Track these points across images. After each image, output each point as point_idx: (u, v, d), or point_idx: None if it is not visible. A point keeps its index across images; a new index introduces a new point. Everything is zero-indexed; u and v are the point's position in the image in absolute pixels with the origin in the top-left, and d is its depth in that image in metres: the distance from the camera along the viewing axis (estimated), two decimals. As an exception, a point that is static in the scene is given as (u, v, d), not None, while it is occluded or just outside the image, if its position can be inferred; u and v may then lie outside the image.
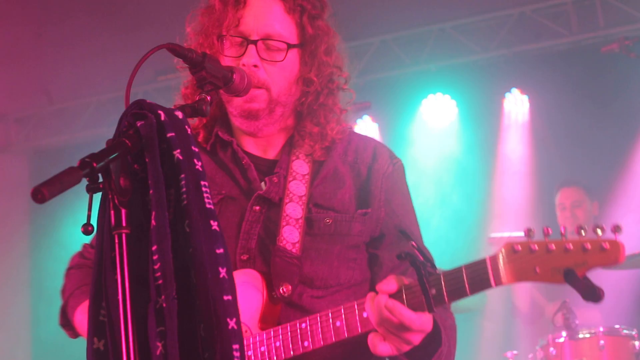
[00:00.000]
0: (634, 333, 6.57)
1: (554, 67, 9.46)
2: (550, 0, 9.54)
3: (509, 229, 8.26)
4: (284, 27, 3.14)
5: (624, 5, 9.25)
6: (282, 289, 3.02)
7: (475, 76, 9.75)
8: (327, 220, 3.11)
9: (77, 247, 11.39)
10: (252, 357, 2.97)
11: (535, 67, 9.59)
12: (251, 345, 2.99)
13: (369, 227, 3.15)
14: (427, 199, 9.47)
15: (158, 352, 2.24)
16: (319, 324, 2.89)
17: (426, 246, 3.06)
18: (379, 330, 2.77)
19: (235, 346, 2.24)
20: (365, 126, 9.85)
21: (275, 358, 2.94)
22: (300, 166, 3.19)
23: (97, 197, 2.33)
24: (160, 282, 2.27)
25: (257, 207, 3.14)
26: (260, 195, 3.14)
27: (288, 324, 2.95)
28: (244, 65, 3.07)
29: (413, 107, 10.01)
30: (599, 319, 7.15)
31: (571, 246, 2.49)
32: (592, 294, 2.44)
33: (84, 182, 2.26)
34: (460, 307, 5.59)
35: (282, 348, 2.93)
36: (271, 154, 3.26)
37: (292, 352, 2.92)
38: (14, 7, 8.99)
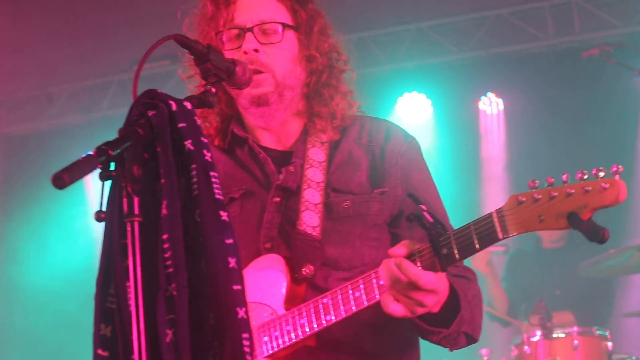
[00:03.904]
0: (607, 334, 6.68)
1: (529, 70, 9.57)
2: (527, 4, 9.63)
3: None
4: (276, 11, 3.24)
5: (599, 11, 9.37)
6: (305, 270, 3.09)
7: (451, 76, 9.82)
8: (346, 204, 3.18)
9: (48, 238, 11.27)
10: (279, 337, 3.03)
11: (510, 69, 9.68)
12: (277, 325, 3.05)
13: (387, 205, 3.21)
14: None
15: (168, 340, 2.26)
16: (340, 296, 2.95)
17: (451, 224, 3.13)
18: (391, 292, 2.81)
19: (245, 335, 2.26)
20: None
21: (300, 335, 3.00)
22: (317, 153, 3.26)
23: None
24: (170, 270, 2.28)
25: (277, 199, 3.21)
26: (279, 186, 3.22)
27: (310, 301, 3.01)
28: (245, 52, 3.15)
29: (389, 105, 10.06)
30: (572, 321, 7.25)
31: (572, 190, 2.52)
32: (596, 234, 2.47)
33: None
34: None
35: (306, 324, 2.99)
36: (287, 145, 3.33)
37: (315, 327, 2.98)
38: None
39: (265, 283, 3.10)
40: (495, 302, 7.82)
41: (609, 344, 6.65)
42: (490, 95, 10.01)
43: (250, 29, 3.19)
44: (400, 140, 3.31)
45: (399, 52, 9.95)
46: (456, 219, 3.19)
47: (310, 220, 3.14)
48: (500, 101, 10.00)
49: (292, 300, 3.08)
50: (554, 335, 6.63)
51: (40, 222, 10.65)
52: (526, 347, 6.65)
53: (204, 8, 3.34)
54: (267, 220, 3.20)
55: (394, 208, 3.22)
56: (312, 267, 3.10)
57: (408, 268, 2.73)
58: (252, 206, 3.25)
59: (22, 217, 10.83)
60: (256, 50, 3.16)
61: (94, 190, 10.66)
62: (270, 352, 3.05)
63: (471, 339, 3.11)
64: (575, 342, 6.54)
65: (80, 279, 9.91)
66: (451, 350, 3.14)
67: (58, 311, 10.15)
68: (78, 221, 10.58)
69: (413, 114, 10.10)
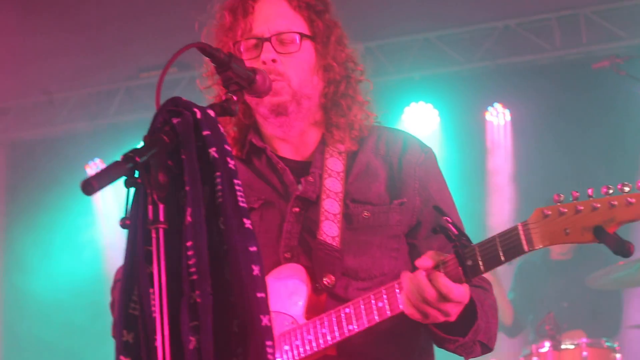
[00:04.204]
0: (615, 345, 6.70)
1: (535, 81, 9.57)
2: (534, 15, 9.65)
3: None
4: (293, 22, 3.27)
5: (607, 23, 9.39)
6: (326, 280, 3.11)
7: (458, 86, 9.83)
8: (365, 214, 3.21)
9: (52, 239, 11.23)
10: (300, 346, 3.05)
11: (517, 80, 9.69)
12: (298, 334, 3.07)
13: (406, 216, 3.23)
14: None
15: (191, 347, 2.27)
16: (362, 306, 2.97)
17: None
18: (414, 304, 2.84)
19: (269, 342, 2.28)
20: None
21: (322, 344, 3.02)
22: (335, 163, 3.28)
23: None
24: (194, 277, 2.29)
25: (297, 209, 3.23)
26: (298, 196, 3.24)
27: (332, 311, 3.03)
28: (263, 62, 3.17)
29: (396, 115, 10.06)
30: (582, 335, 7.26)
31: (598, 204, 2.57)
32: (622, 248, 2.53)
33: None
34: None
35: (327, 334, 3.01)
36: (305, 155, 3.35)
37: (337, 337, 3.00)
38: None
39: (285, 292, 3.12)
40: (500, 312, 7.80)
41: (618, 355, 6.68)
42: (497, 106, 10.02)
43: (268, 39, 3.21)
44: (417, 150, 3.34)
45: (406, 62, 9.96)
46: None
47: (330, 230, 3.16)
48: (507, 112, 10.01)
49: (312, 310, 3.10)
50: (563, 346, 6.65)
51: (46, 229, 10.65)
52: (535, 359, 6.68)
53: (221, 19, 3.36)
54: (287, 230, 3.21)
55: (412, 219, 3.25)
56: (332, 277, 3.12)
57: (441, 281, 2.78)
58: (272, 216, 3.26)
59: (29, 224, 10.82)
60: (274, 61, 3.19)
61: (101, 198, 10.64)
62: None
63: (486, 348, 3.14)
64: (584, 353, 6.56)
65: (87, 287, 9.96)
66: (466, 359, 3.16)
67: (65, 319, 10.13)
68: (85, 229, 10.58)
69: (420, 124, 10.07)
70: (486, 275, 7.65)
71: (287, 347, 3.06)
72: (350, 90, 3.32)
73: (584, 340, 6.70)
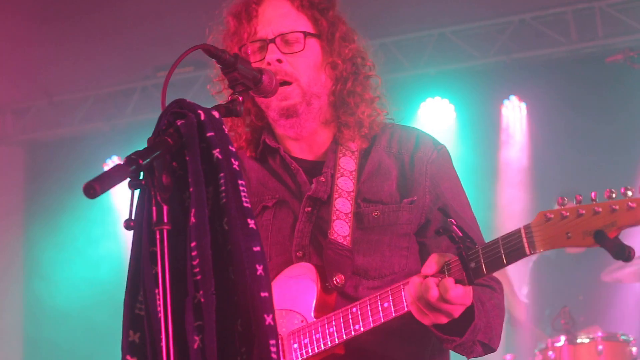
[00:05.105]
0: (631, 339, 6.69)
1: (551, 74, 9.56)
2: (550, 9, 9.64)
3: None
4: (297, 22, 3.27)
5: (622, 16, 9.36)
6: (336, 279, 3.12)
7: (474, 81, 9.84)
8: (375, 213, 3.21)
9: (72, 243, 11.24)
10: (308, 344, 3.06)
11: (533, 74, 9.68)
12: (307, 333, 3.08)
13: (416, 215, 3.22)
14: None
15: (195, 346, 2.29)
16: (368, 306, 2.98)
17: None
18: (419, 305, 2.84)
19: (272, 341, 2.29)
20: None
21: (329, 343, 3.03)
22: (347, 163, 3.28)
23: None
24: (198, 277, 2.31)
25: (309, 208, 3.24)
26: (310, 196, 3.25)
27: (340, 310, 3.04)
28: (269, 64, 3.17)
29: (411, 110, 10.06)
30: (598, 330, 7.25)
31: (600, 209, 2.54)
32: (622, 252, 2.50)
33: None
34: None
35: (335, 333, 3.02)
36: (317, 154, 3.35)
37: (344, 336, 3.01)
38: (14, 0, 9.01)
39: (296, 291, 3.14)
40: (513, 309, 7.82)
41: (634, 349, 6.66)
42: (514, 98, 10.01)
43: (273, 40, 3.22)
44: (430, 148, 3.31)
45: (421, 58, 9.97)
46: (480, 225, 3.23)
47: (341, 230, 3.17)
48: (523, 105, 10.00)
49: (322, 309, 3.11)
50: (578, 340, 6.65)
51: (65, 229, 10.70)
52: (550, 353, 6.67)
53: (227, 24, 3.38)
54: (299, 229, 3.22)
55: (422, 217, 3.24)
56: (342, 277, 3.12)
57: (446, 284, 2.77)
58: (285, 215, 3.28)
59: (48, 224, 10.88)
60: (279, 61, 3.19)
61: (122, 198, 10.64)
62: (300, 359, 3.08)
63: (488, 348, 3.12)
64: (600, 347, 6.55)
65: (108, 289, 9.97)
66: (468, 358, 3.16)
67: (86, 324, 10.15)
68: (104, 230, 10.60)
69: (436, 119, 10.08)
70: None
71: (295, 345, 3.08)
72: (358, 87, 3.30)
73: (600, 334, 6.69)
